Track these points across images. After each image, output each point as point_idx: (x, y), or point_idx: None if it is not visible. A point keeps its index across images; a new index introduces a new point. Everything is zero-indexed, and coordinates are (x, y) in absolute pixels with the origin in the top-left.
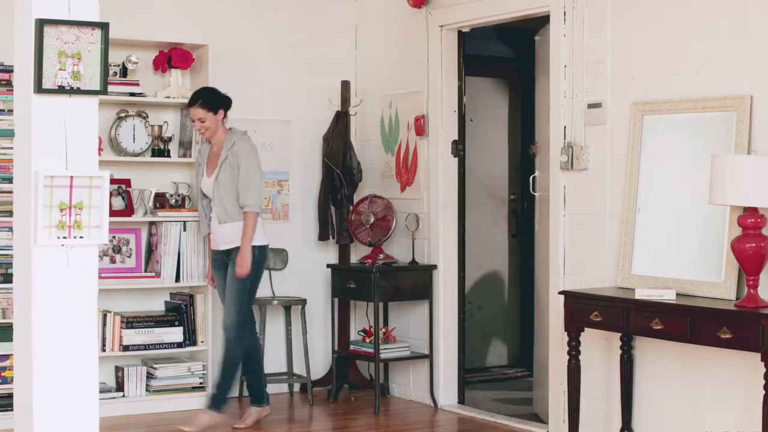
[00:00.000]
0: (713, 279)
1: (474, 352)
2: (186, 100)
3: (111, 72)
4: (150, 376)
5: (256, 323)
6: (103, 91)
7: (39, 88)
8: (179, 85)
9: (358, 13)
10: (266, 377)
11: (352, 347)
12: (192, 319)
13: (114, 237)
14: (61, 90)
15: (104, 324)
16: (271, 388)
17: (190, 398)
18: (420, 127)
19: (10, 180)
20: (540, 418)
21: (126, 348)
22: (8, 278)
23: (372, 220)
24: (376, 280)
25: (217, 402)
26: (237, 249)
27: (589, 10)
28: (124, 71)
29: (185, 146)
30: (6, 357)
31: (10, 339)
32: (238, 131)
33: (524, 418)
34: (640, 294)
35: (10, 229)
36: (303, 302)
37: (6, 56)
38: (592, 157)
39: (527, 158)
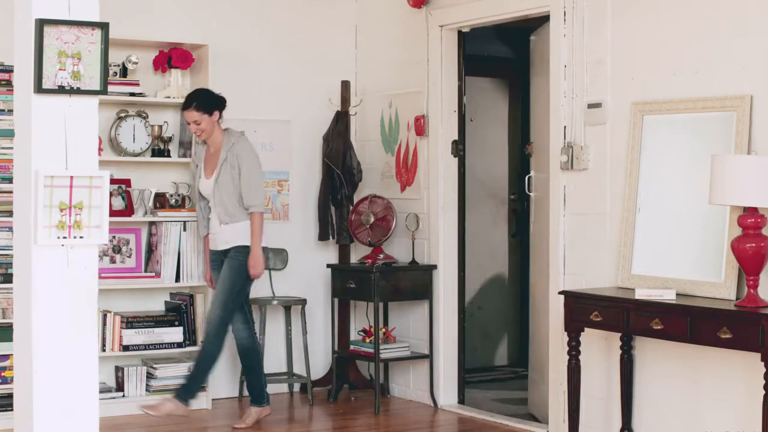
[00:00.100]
0: (713, 279)
1: (474, 352)
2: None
3: (111, 72)
4: (150, 376)
5: (256, 323)
6: (103, 91)
7: (39, 88)
8: (179, 85)
9: (358, 13)
10: (266, 377)
11: (352, 347)
12: (192, 319)
13: (114, 237)
14: (61, 90)
15: (104, 324)
16: (271, 388)
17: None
18: (420, 127)
19: (10, 180)
20: (536, 418)
21: (126, 348)
22: (8, 278)
23: (372, 220)
24: (376, 280)
25: (184, 393)
26: (234, 248)
27: (589, 10)
28: (124, 71)
29: (185, 146)
30: (6, 357)
31: (10, 339)
32: (235, 132)
33: (524, 418)
34: (640, 294)
35: (10, 229)
36: (303, 302)
37: (6, 56)
38: (592, 157)
39: (527, 158)
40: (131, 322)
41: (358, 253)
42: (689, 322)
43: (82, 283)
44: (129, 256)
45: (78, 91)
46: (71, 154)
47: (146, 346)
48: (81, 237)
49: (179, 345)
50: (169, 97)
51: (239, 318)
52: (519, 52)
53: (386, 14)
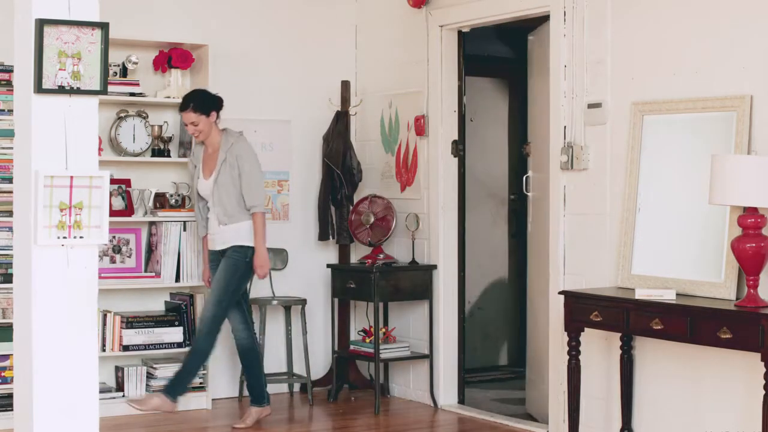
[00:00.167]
0: (713, 279)
1: (474, 352)
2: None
3: (111, 72)
4: (150, 376)
5: (256, 323)
6: (103, 91)
7: (39, 88)
8: (179, 85)
9: (358, 13)
10: (266, 377)
11: (352, 347)
12: (192, 319)
13: (114, 237)
14: (61, 90)
15: (104, 324)
16: (271, 388)
17: (191, 398)
18: (420, 127)
19: (10, 180)
20: (534, 418)
21: (126, 348)
22: (8, 278)
23: (372, 220)
24: (376, 280)
25: (172, 389)
26: (232, 248)
27: (589, 10)
28: (124, 71)
29: (185, 146)
30: (6, 357)
31: (10, 339)
32: (233, 132)
33: (524, 418)
34: (640, 294)
35: (10, 229)
36: (303, 302)
37: (6, 56)
38: (592, 157)
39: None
40: (131, 322)
41: (358, 253)
42: (689, 322)
43: (82, 283)
44: (129, 256)
45: (78, 91)
46: (71, 154)
47: (146, 346)
48: (81, 237)
49: (179, 345)
50: (169, 97)
51: (238, 318)
52: (519, 52)
53: (386, 14)
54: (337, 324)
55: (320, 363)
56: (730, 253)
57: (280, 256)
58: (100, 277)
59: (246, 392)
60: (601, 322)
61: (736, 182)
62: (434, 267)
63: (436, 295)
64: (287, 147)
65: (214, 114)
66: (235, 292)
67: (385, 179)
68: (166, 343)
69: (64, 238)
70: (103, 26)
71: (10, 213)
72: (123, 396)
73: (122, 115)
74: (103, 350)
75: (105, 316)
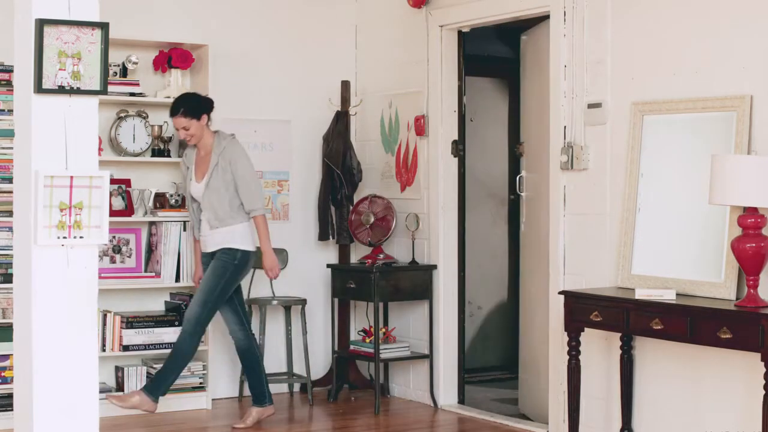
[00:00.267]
0: (713, 279)
1: (474, 352)
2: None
3: (111, 72)
4: (150, 376)
5: (256, 323)
6: (103, 91)
7: (39, 88)
8: (179, 85)
9: (358, 13)
10: (267, 377)
11: (352, 347)
12: None
13: (114, 237)
14: (61, 90)
15: (104, 324)
16: (271, 388)
17: (191, 398)
18: (420, 127)
19: (10, 180)
20: (528, 418)
21: (126, 348)
22: (8, 278)
23: (372, 220)
24: (376, 280)
25: (153, 389)
26: (221, 250)
27: (589, 10)
28: (124, 71)
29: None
30: (6, 357)
31: (10, 339)
32: (225, 134)
33: (524, 418)
34: (640, 294)
35: (10, 229)
36: (303, 302)
37: (6, 56)
38: (592, 157)
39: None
40: (131, 322)
41: (358, 253)
42: (689, 322)
43: (82, 283)
44: (129, 256)
45: (78, 91)
46: (71, 154)
47: (146, 346)
48: (81, 237)
49: None
50: (169, 97)
51: (234, 320)
52: (519, 52)
53: (386, 14)
54: (337, 324)
55: (320, 363)
56: (730, 253)
57: (280, 256)
58: (100, 277)
59: (246, 392)
60: (601, 322)
61: (736, 182)
62: (434, 267)
63: (436, 295)
64: (287, 147)
65: (205, 117)
66: (222, 294)
67: (385, 179)
68: (166, 343)
69: (64, 238)
70: (103, 26)
71: (10, 213)
72: None
73: (122, 115)
74: (103, 350)
75: (105, 316)
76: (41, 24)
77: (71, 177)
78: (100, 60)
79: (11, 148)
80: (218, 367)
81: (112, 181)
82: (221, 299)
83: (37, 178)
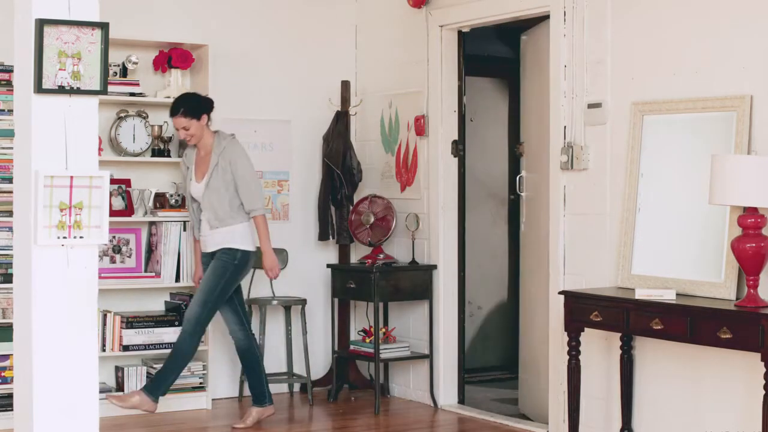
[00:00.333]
0: (713, 279)
1: (474, 352)
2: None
3: (111, 72)
4: (150, 376)
5: (256, 323)
6: (103, 91)
7: (39, 88)
8: (179, 85)
9: (358, 13)
10: (267, 377)
11: (352, 347)
12: None
13: (114, 237)
14: (61, 90)
15: (104, 324)
16: (272, 388)
17: (191, 398)
18: (420, 127)
19: (10, 180)
20: (528, 418)
21: (126, 348)
22: (8, 278)
23: (372, 220)
24: (376, 280)
25: (153, 389)
26: (221, 250)
27: (589, 10)
28: (124, 71)
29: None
30: (6, 357)
31: (10, 339)
32: (225, 134)
33: (524, 418)
34: (640, 294)
35: (10, 229)
36: (303, 302)
37: (6, 56)
38: (592, 157)
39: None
40: (131, 322)
41: (358, 253)
42: (689, 322)
43: (82, 283)
44: (129, 256)
45: (78, 91)
46: (71, 154)
47: (146, 346)
48: (81, 237)
49: None
50: (169, 97)
51: (234, 320)
52: (519, 52)
53: (386, 14)
54: (337, 324)
55: (320, 363)
56: (730, 253)
57: (280, 256)
58: (100, 277)
59: (246, 392)
60: (601, 322)
61: (736, 182)
62: (434, 267)
63: (436, 295)
64: (287, 147)
65: (205, 117)
66: (221, 294)
67: (385, 179)
68: (166, 343)
69: (64, 238)
70: (103, 26)
71: (10, 213)
72: None
73: (122, 115)
74: (103, 350)
75: (105, 316)
76: (41, 24)
77: (71, 177)
78: (100, 60)
79: (11, 148)
80: (218, 367)
81: (112, 181)
82: (221, 299)
83: (37, 178)
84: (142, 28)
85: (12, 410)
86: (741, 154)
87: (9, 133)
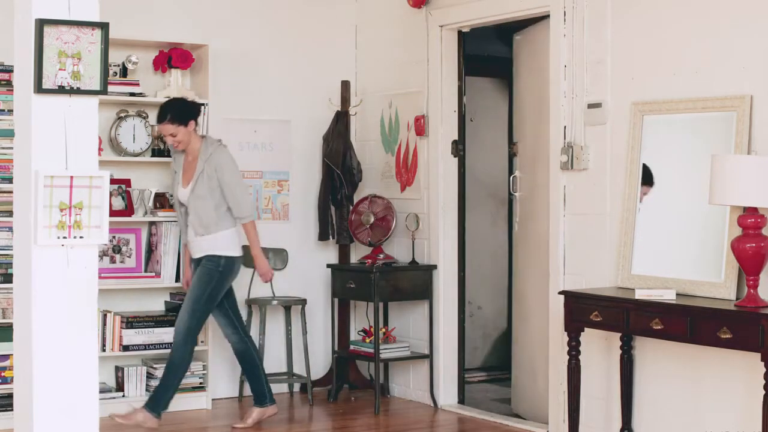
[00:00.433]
0: (713, 279)
1: (474, 352)
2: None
3: (111, 72)
4: (150, 376)
5: (256, 323)
6: (103, 91)
7: (39, 88)
8: (179, 85)
9: (358, 13)
10: (267, 377)
11: (352, 347)
12: None
13: (114, 237)
14: (61, 90)
15: (104, 324)
16: (272, 388)
17: (191, 398)
18: (420, 127)
19: (10, 180)
20: (522, 417)
21: (126, 348)
22: (8, 278)
23: (372, 220)
24: (376, 280)
25: (154, 404)
26: (206, 257)
27: (589, 10)
28: (124, 71)
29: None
30: (6, 357)
31: (10, 339)
32: (212, 140)
33: (524, 418)
34: (640, 294)
35: (10, 229)
36: (303, 302)
37: (6, 56)
38: (592, 157)
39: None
40: (131, 322)
41: (358, 253)
42: (689, 322)
43: (82, 283)
44: (129, 256)
45: (78, 91)
46: (71, 154)
47: (146, 346)
48: (81, 237)
49: None
50: (168, 97)
51: (226, 324)
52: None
53: (386, 14)
54: (337, 324)
55: (320, 363)
56: (730, 253)
57: (280, 256)
58: (100, 277)
59: (246, 392)
60: (601, 322)
61: (736, 182)
62: (434, 267)
63: (436, 295)
64: (287, 147)
65: (192, 123)
66: (209, 301)
67: (385, 179)
68: (166, 343)
69: (64, 238)
70: (103, 26)
71: (10, 213)
72: (123, 396)
73: (122, 115)
74: (103, 350)
75: (105, 316)
76: (41, 24)
77: (71, 177)
78: (100, 60)
79: (11, 148)
80: (218, 367)
81: (112, 181)
82: (210, 306)
83: (37, 178)
84: (142, 28)
85: (12, 410)
86: (741, 154)
87: (9, 133)
